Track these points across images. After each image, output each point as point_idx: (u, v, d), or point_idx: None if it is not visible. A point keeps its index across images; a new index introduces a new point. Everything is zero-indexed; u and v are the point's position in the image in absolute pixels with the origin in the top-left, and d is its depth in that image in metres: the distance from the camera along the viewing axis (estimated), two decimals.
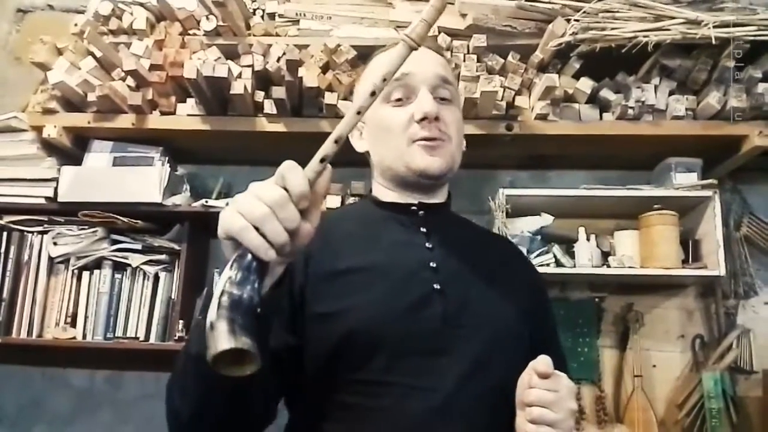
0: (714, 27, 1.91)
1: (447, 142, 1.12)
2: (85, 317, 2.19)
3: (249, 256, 0.76)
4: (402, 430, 0.96)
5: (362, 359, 0.98)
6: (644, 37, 1.94)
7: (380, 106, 1.14)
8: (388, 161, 1.16)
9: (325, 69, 2.10)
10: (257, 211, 0.75)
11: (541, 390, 0.93)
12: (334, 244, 1.09)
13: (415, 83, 1.13)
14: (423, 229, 1.13)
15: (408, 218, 1.15)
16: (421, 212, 1.16)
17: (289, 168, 0.78)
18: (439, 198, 1.20)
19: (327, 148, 0.82)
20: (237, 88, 2.03)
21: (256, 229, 0.75)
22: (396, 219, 1.16)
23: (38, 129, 2.16)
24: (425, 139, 1.10)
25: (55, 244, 2.22)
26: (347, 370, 0.99)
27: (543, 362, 0.94)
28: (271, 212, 0.75)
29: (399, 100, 1.13)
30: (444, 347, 0.99)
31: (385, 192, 1.20)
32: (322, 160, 0.82)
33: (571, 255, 2.22)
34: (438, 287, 1.04)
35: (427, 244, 1.11)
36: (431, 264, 1.07)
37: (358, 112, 0.84)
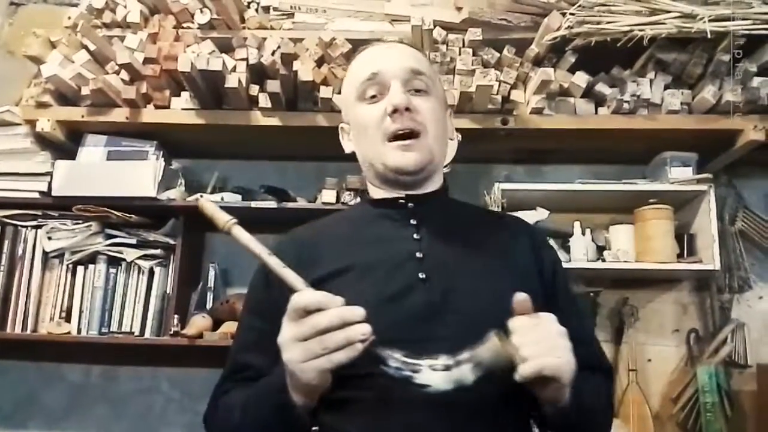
0: (709, 21, 1.90)
1: (423, 134, 1.13)
2: (80, 312, 2.19)
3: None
4: (387, 420, 0.97)
5: None
6: (640, 30, 1.94)
7: (357, 105, 1.17)
8: (369, 159, 1.18)
9: (320, 63, 2.09)
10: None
11: (524, 328, 0.90)
12: (322, 250, 1.13)
13: (386, 79, 1.14)
14: (413, 221, 1.14)
15: (397, 212, 1.17)
16: (410, 204, 1.17)
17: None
18: (430, 188, 1.20)
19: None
20: (231, 81, 2.02)
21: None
22: (386, 215, 1.17)
23: (32, 123, 2.15)
24: (398, 135, 1.11)
25: (49, 238, 2.21)
26: None
27: (517, 298, 0.91)
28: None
29: (373, 97, 1.15)
30: (428, 336, 0.99)
31: (375, 190, 1.22)
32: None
33: (567, 249, 2.22)
34: (423, 276, 1.05)
35: (415, 236, 1.12)
36: (417, 254, 1.08)
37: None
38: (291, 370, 0.89)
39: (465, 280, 1.06)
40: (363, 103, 1.16)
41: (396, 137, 1.12)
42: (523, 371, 0.86)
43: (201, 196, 2.17)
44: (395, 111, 1.11)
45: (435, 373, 0.88)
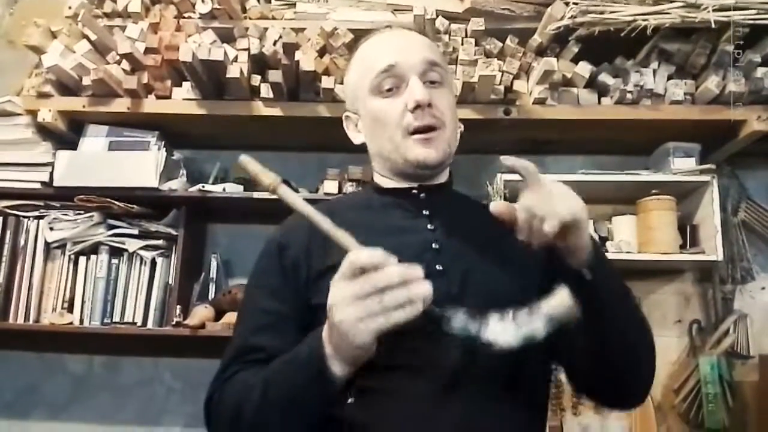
0: (713, 10, 1.90)
1: (442, 129, 1.12)
2: (82, 302, 2.19)
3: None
4: (411, 409, 0.97)
5: None
6: (643, 20, 1.93)
7: (372, 98, 1.14)
8: (385, 153, 1.16)
9: (321, 52, 2.09)
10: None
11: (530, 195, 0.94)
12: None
13: (404, 72, 1.12)
14: (425, 212, 1.14)
15: (410, 202, 1.16)
16: (422, 195, 1.16)
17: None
18: (440, 179, 1.19)
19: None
20: (233, 71, 2.02)
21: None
22: (398, 204, 1.16)
23: (33, 113, 2.15)
24: (420, 129, 1.10)
25: (51, 229, 2.21)
26: None
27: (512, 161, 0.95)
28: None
29: (390, 90, 1.13)
30: None
31: (385, 180, 1.20)
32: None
33: None
34: (440, 268, 1.04)
35: (429, 226, 1.11)
36: (434, 245, 1.08)
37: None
38: (344, 330, 0.85)
39: (480, 271, 1.06)
40: (378, 97, 1.14)
41: (415, 131, 1.11)
42: (550, 227, 0.90)
43: (203, 186, 2.16)
44: (417, 107, 1.09)
45: (504, 328, 0.86)
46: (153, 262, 2.22)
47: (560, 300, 0.87)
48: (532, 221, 0.92)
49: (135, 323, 2.17)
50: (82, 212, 2.21)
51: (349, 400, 0.92)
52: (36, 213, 2.23)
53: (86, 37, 2.13)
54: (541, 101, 2.11)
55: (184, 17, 2.17)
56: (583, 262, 0.96)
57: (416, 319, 0.84)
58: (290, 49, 2.02)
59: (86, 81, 2.11)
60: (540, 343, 0.89)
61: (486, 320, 0.87)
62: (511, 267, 1.09)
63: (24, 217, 2.24)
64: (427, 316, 0.85)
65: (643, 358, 1.05)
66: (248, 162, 0.97)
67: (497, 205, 0.94)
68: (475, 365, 0.98)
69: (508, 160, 0.94)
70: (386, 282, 0.83)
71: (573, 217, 0.91)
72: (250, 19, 2.16)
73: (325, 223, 0.91)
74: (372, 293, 0.83)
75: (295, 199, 0.94)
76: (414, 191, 1.16)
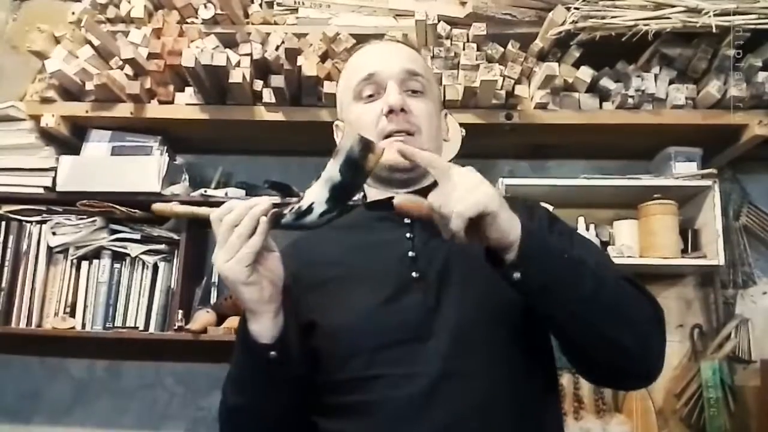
0: (714, 15, 1.90)
1: (417, 134, 1.13)
2: (84, 307, 2.19)
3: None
4: (392, 418, 0.98)
5: (346, 359, 1.02)
6: (644, 25, 1.94)
7: (354, 104, 1.18)
8: None
9: (324, 58, 2.09)
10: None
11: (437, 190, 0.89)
12: (319, 255, 1.15)
13: (383, 79, 1.14)
14: (406, 220, 1.14)
15: (390, 213, 1.15)
16: None
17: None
18: (424, 183, 1.18)
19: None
20: (235, 76, 2.03)
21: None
22: (382, 218, 1.17)
23: (36, 118, 2.15)
24: (393, 133, 1.12)
25: (53, 233, 2.22)
26: (335, 372, 1.03)
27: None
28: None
29: (370, 96, 1.16)
30: (426, 333, 1.00)
31: (369, 189, 1.22)
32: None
33: None
34: (416, 275, 1.06)
35: (408, 235, 1.12)
36: (410, 254, 1.09)
37: None
38: (226, 277, 0.92)
39: (460, 272, 1.06)
40: (359, 103, 1.17)
41: (390, 135, 1.12)
42: (455, 226, 0.85)
43: (205, 191, 2.17)
44: (391, 111, 1.11)
45: (312, 189, 0.93)
46: (155, 267, 2.22)
47: (349, 138, 0.93)
48: (441, 221, 0.88)
49: (137, 328, 2.17)
50: (84, 217, 2.21)
51: (271, 354, 0.96)
52: (38, 218, 2.24)
53: (89, 42, 2.14)
54: (542, 106, 2.11)
55: (186, 22, 2.17)
56: (510, 256, 0.90)
57: (274, 231, 0.93)
58: (292, 54, 2.03)
59: (89, 86, 2.12)
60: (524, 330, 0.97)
61: (300, 194, 0.96)
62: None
63: (26, 221, 2.24)
64: (277, 224, 0.93)
65: (619, 336, 0.95)
66: (155, 207, 1.08)
67: (398, 200, 0.93)
68: (455, 370, 0.98)
69: (413, 154, 0.95)
70: (235, 217, 0.92)
71: (477, 211, 0.85)
72: (252, 24, 2.17)
73: (205, 210, 1.00)
74: (228, 233, 0.92)
75: (190, 209, 1.04)
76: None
